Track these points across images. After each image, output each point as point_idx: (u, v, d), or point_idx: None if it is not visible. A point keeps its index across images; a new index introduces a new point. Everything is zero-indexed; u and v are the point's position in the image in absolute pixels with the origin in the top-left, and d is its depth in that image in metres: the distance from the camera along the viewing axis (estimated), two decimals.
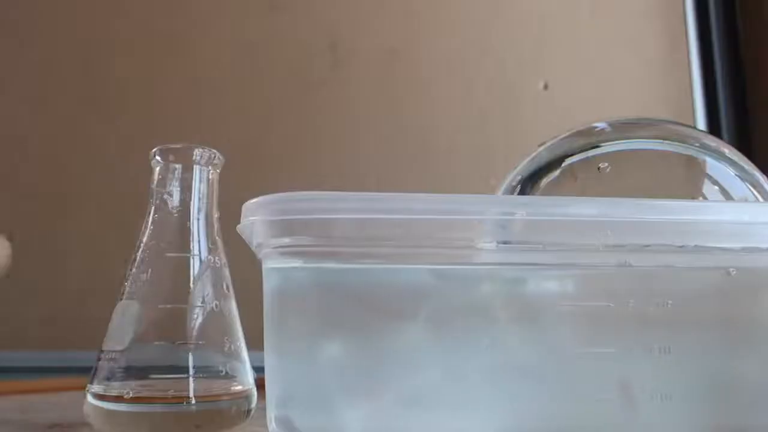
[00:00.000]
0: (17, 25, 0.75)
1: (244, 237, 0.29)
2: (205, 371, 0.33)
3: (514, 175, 0.35)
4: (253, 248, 0.28)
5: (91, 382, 0.34)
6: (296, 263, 0.27)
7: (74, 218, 0.71)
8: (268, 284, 0.28)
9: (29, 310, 0.69)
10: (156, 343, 0.33)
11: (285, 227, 0.26)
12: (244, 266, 0.36)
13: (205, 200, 0.36)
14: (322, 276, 0.27)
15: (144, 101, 0.71)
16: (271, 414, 0.27)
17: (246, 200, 0.28)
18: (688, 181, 0.34)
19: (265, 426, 0.28)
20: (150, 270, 0.35)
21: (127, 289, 0.35)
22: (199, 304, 0.34)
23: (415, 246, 0.26)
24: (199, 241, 0.35)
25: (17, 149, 0.73)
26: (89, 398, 0.33)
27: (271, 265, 0.28)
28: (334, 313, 0.27)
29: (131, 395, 0.32)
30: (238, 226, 0.28)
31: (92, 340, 0.37)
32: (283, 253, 0.27)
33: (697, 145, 0.34)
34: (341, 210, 0.26)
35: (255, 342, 0.36)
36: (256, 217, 0.27)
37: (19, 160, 0.73)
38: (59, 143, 0.73)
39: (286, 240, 0.26)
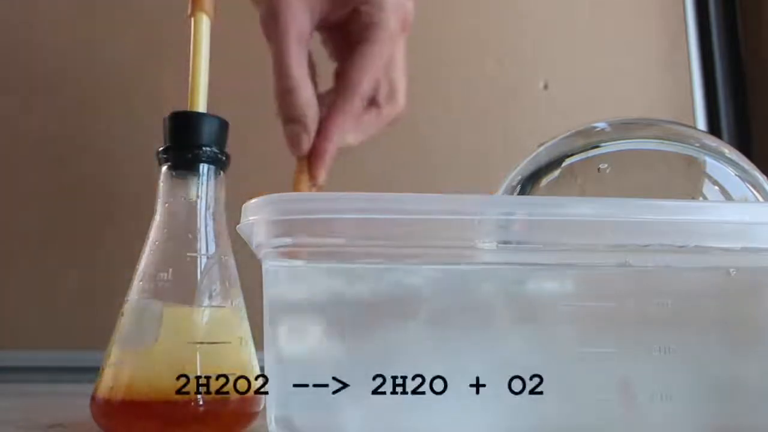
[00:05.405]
0: (18, 25, 0.75)
1: (244, 237, 0.29)
2: (212, 370, 0.33)
3: (514, 175, 0.35)
4: (253, 248, 0.28)
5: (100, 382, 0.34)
6: (296, 263, 0.27)
7: (74, 217, 0.71)
8: (268, 284, 0.28)
9: (29, 310, 0.69)
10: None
11: (285, 227, 0.26)
12: (244, 266, 0.36)
13: (212, 199, 0.36)
14: (322, 276, 0.27)
15: (147, 101, 0.71)
16: (271, 414, 0.27)
17: (246, 200, 0.28)
18: (688, 181, 0.34)
19: (265, 426, 0.28)
20: (154, 269, 0.35)
21: (144, 288, 0.34)
22: (207, 303, 0.34)
23: (415, 246, 0.26)
24: (206, 240, 0.35)
25: (17, 147, 0.73)
26: (97, 398, 0.33)
27: (271, 265, 0.28)
28: (334, 313, 0.27)
29: (140, 395, 0.32)
30: (238, 226, 0.28)
31: (93, 340, 0.37)
32: (283, 253, 0.27)
33: (697, 145, 0.34)
34: (341, 210, 0.26)
35: (255, 342, 0.36)
36: (256, 217, 0.27)
37: (19, 159, 0.73)
38: (59, 141, 0.72)
39: (287, 240, 0.26)
